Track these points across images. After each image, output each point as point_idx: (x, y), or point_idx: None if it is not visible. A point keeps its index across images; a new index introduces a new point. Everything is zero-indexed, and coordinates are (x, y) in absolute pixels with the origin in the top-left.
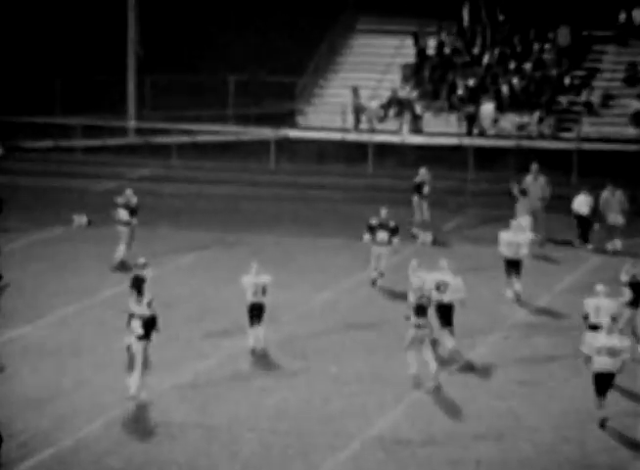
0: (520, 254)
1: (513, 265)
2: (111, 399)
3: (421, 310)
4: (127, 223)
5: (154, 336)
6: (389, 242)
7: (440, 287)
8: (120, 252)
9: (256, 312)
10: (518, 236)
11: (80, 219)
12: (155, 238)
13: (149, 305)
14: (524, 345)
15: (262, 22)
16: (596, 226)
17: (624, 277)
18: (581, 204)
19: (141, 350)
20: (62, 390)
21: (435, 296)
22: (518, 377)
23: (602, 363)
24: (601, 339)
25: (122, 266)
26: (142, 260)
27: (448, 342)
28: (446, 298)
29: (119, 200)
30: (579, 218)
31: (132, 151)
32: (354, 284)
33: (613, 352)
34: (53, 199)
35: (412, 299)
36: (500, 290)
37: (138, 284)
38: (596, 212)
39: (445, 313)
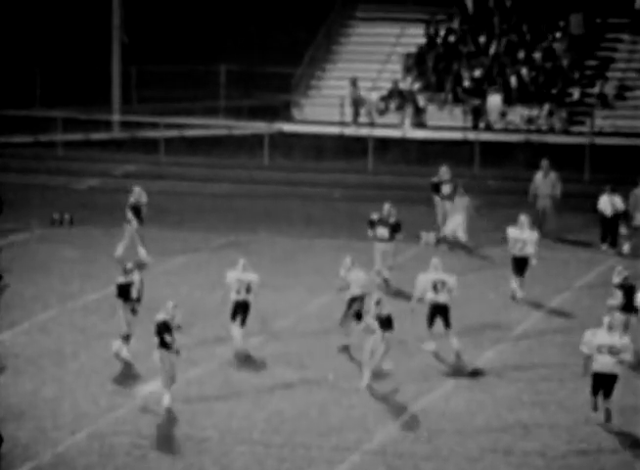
0: (526, 251)
1: (519, 263)
2: (94, 410)
3: (387, 323)
4: (128, 222)
5: (174, 345)
6: (390, 238)
7: (437, 286)
8: (139, 251)
9: (240, 311)
10: (524, 233)
11: (62, 219)
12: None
13: (167, 310)
14: (533, 351)
15: (256, 8)
16: (622, 228)
17: (616, 279)
18: (605, 204)
19: (157, 359)
20: (42, 400)
21: (431, 296)
22: (527, 386)
23: (603, 363)
24: (601, 337)
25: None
26: (129, 266)
27: (454, 344)
28: (442, 298)
29: (131, 199)
30: (602, 220)
31: (117, 146)
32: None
33: (612, 351)
34: (32, 197)
35: (374, 310)
36: (509, 292)
37: (124, 292)
38: (624, 213)
39: (442, 314)
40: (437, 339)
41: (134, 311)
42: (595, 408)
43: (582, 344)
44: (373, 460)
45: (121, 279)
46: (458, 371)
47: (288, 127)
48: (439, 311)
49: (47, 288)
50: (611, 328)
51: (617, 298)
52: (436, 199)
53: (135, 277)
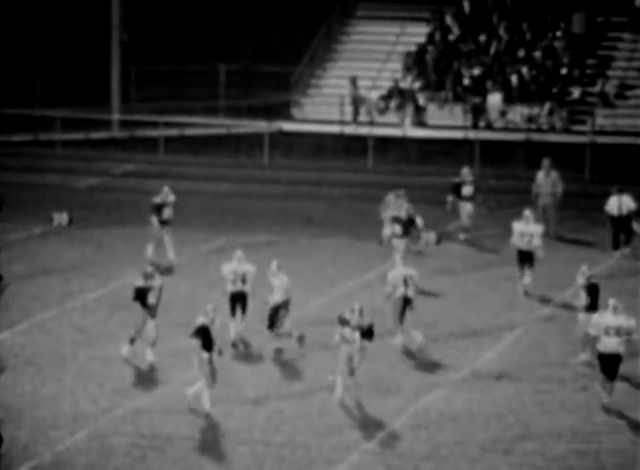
0: (532, 244)
1: (525, 257)
2: (93, 410)
3: (368, 333)
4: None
5: (215, 349)
6: (403, 235)
7: (408, 281)
8: (147, 249)
9: (239, 302)
10: (530, 227)
11: (61, 218)
12: (140, 239)
13: (207, 313)
14: (533, 351)
15: (255, 7)
16: (636, 226)
17: (580, 279)
18: (613, 205)
19: (195, 362)
20: (41, 400)
21: (402, 291)
22: (527, 386)
23: (608, 344)
24: (607, 318)
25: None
26: (149, 270)
27: (412, 336)
28: (410, 292)
29: (156, 199)
30: (612, 222)
31: (116, 145)
32: (353, 288)
33: (619, 332)
34: (31, 196)
35: (354, 321)
36: (508, 292)
37: (141, 296)
38: (637, 212)
39: (409, 308)
40: (440, 340)
41: (151, 315)
42: (604, 389)
43: (590, 326)
44: (372, 460)
45: (140, 283)
46: (455, 371)
47: (288, 126)
48: (408, 305)
49: (46, 288)
50: (615, 310)
51: (582, 298)
52: (450, 200)
53: (155, 283)
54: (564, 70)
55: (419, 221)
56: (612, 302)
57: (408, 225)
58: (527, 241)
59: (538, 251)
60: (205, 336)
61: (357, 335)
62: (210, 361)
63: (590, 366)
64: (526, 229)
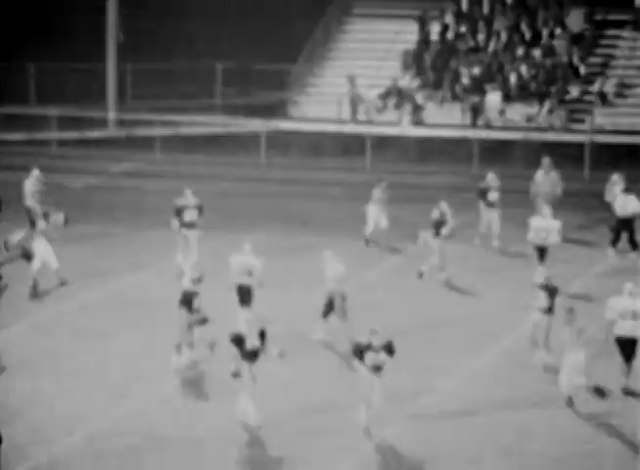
0: (548, 240)
1: (543, 252)
2: (90, 411)
3: (390, 349)
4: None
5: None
6: (435, 235)
7: (343, 276)
8: (178, 259)
9: (243, 295)
10: (547, 222)
11: (57, 218)
12: (137, 239)
13: (248, 321)
14: (534, 351)
15: (252, 5)
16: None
17: (538, 279)
18: (618, 205)
19: (237, 371)
20: (38, 401)
21: (343, 287)
22: (527, 388)
23: (625, 328)
24: (624, 302)
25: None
26: (196, 275)
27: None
28: (347, 287)
29: (178, 202)
30: (618, 222)
31: (112, 144)
32: (351, 288)
33: (635, 316)
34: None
35: (377, 343)
36: (508, 292)
37: (188, 300)
38: None
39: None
40: (440, 340)
41: (190, 325)
42: (626, 375)
43: (607, 309)
44: (371, 462)
45: (188, 287)
46: (454, 371)
47: (285, 125)
48: (344, 300)
49: (43, 288)
50: (632, 294)
51: (541, 300)
52: (481, 206)
53: (199, 289)
54: (565, 69)
55: (444, 232)
56: (628, 285)
57: (439, 225)
58: (544, 237)
59: (551, 247)
60: (239, 345)
61: (384, 356)
62: (235, 375)
63: (547, 367)
64: (543, 224)
